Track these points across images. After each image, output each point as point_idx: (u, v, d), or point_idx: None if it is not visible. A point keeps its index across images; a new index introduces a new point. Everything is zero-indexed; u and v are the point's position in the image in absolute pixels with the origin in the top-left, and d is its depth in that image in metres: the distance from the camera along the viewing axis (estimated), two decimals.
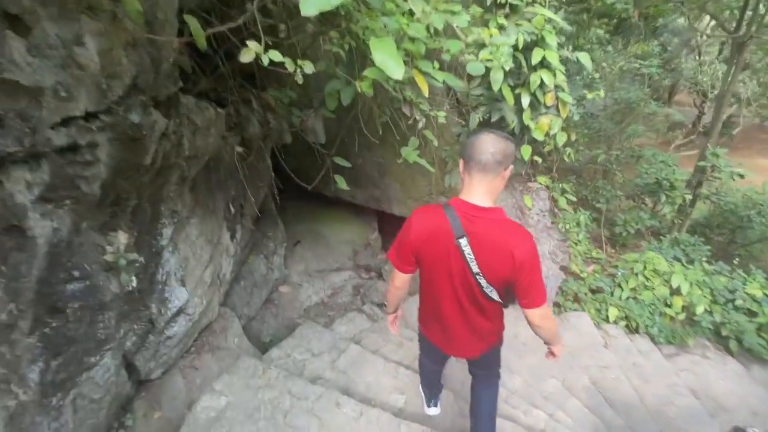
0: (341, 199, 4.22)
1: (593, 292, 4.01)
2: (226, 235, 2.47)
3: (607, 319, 3.74)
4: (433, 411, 2.01)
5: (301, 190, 2.59)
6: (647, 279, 3.95)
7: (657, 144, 9.30)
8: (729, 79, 5.76)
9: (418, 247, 1.33)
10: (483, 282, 1.28)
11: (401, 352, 2.54)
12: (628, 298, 3.86)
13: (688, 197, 6.02)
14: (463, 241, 1.23)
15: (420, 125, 2.69)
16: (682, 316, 3.76)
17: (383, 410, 1.85)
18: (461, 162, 1.30)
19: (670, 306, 3.80)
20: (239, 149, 2.27)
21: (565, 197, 3.90)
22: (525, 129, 2.94)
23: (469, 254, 1.24)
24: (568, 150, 3.32)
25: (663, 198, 6.00)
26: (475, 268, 1.26)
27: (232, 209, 2.52)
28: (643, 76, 8.24)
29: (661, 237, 5.91)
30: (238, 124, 2.43)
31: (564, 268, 3.81)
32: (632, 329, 3.74)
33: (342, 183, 2.33)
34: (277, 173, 3.07)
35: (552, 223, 3.81)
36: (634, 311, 3.73)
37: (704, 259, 4.92)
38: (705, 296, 3.87)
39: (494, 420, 1.73)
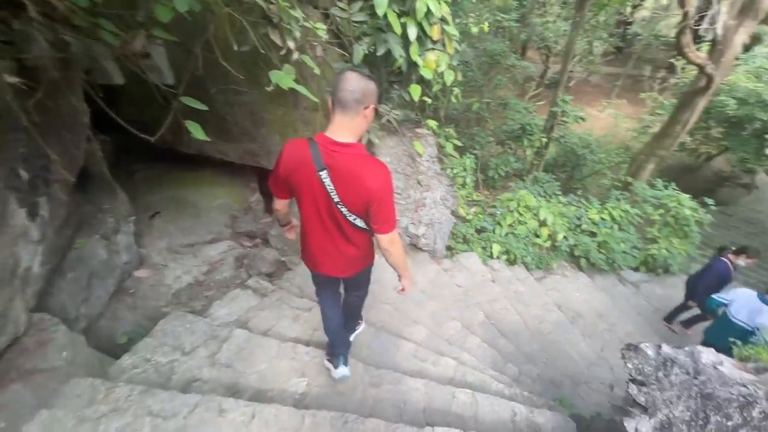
0: (210, 158, 3.47)
1: (478, 232, 4.27)
2: (18, 213, 1.68)
3: (491, 256, 4.03)
4: (343, 371, 1.83)
5: (158, 151, 1.90)
6: (521, 215, 4.36)
7: (515, 95, 10.37)
8: (573, 35, 6.49)
9: (287, 177, 1.41)
10: (345, 210, 1.39)
11: (298, 326, 2.23)
12: (507, 234, 4.21)
13: (544, 140, 6.82)
14: (324, 174, 1.32)
15: (295, 56, 2.20)
16: (548, 244, 4.29)
17: (282, 404, 1.53)
18: (329, 99, 1.34)
19: (539, 236, 4.29)
20: (13, 80, 1.48)
21: (452, 142, 3.92)
22: (413, 66, 2.70)
23: (329, 185, 1.33)
24: (456, 90, 3.23)
25: (526, 142, 6.68)
26: (335, 198, 1.36)
27: (24, 174, 1.71)
28: (504, 29, 8.83)
29: (524, 178, 6.69)
30: (8, 43, 1.58)
31: (454, 213, 3.91)
32: (512, 261, 4.13)
33: (198, 131, 1.73)
34: (115, 128, 2.21)
35: (441, 169, 3.81)
36: (512, 245, 4.10)
37: (558, 193, 5.71)
38: (563, 224, 4.47)
39: (360, 309, 2.10)
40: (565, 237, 4.42)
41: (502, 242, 4.08)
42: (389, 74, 2.92)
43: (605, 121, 13.04)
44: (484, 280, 3.53)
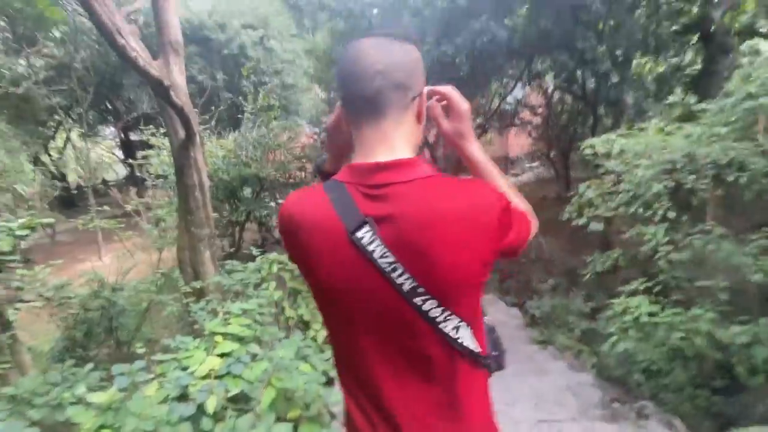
0: None
1: None
2: None
3: None
4: None
5: None
6: None
7: None
8: None
9: (298, 260, 0.72)
10: (430, 307, 0.61)
11: None
12: None
13: None
14: (365, 234, 0.62)
15: None
16: None
17: None
18: (338, 109, 0.76)
19: None
20: None
21: None
22: None
23: (381, 256, 0.61)
24: None
25: None
26: (401, 280, 0.61)
27: None
28: None
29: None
30: None
31: None
32: None
33: None
34: None
35: None
36: None
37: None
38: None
39: None
40: None
41: None
42: None
43: (112, 266, 10.03)
44: None
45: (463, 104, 0.73)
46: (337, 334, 0.70)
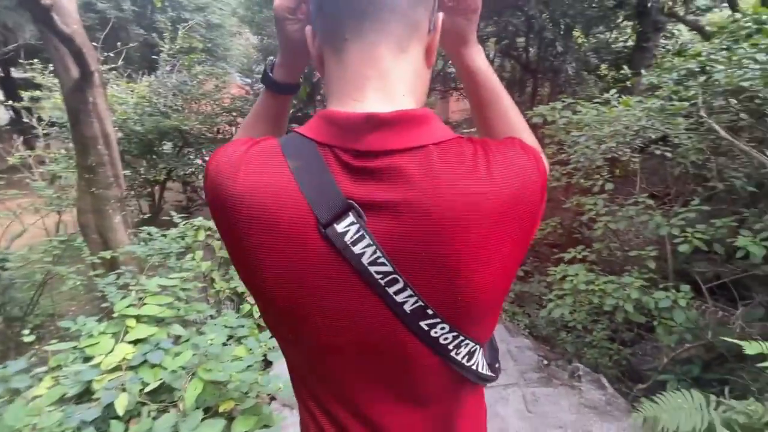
0: None
1: None
2: None
3: None
4: None
5: None
6: None
7: None
8: None
9: (233, 254, 0.48)
10: (440, 333, 0.43)
11: None
12: None
13: None
14: (347, 228, 0.40)
15: None
16: None
17: None
18: (309, 32, 0.48)
19: None
20: None
21: None
22: None
23: (372, 262, 0.40)
24: None
25: None
26: (402, 297, 0.41)
27: None
28: None
29: None
30: None
31: None
32: None
33: None
34: None
35: None
36: None
37: None
38: None
39: None
40: None
41: None
42: None
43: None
44: None
45: None
46: (294, 355, 0.52)
